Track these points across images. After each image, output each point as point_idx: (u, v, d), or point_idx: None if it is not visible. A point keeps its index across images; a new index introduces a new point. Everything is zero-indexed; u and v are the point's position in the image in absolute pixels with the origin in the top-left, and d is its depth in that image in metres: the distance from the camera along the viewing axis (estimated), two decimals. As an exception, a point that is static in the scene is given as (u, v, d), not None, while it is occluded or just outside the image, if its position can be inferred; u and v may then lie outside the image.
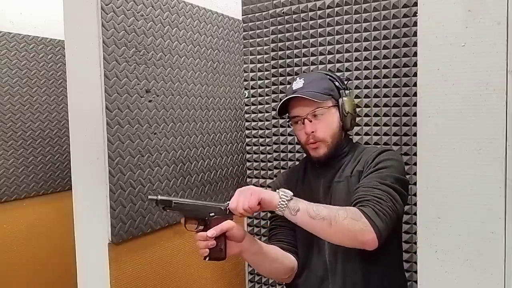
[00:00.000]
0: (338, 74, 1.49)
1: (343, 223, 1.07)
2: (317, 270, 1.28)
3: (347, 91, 1.33)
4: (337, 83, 1.30)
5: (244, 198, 1.11)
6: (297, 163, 1.70)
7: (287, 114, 1.33)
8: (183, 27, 1.50)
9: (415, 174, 1.44)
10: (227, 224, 1.15)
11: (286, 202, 1.10)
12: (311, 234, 1.16)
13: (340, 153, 1.30)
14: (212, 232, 1.13)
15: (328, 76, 1.31)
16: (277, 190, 1.13)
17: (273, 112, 1.73)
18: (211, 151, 1.64)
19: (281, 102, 1.27)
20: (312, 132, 1.24)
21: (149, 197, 1.16)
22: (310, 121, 1.24)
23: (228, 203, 1.14)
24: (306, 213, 1.09)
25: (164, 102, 1.42)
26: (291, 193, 1.11)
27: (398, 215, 1.14)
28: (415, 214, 1.37)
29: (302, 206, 1.10)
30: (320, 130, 1.24)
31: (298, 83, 1.28)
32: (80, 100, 1.30)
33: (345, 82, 1.35)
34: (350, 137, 1.44)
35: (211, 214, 1.16)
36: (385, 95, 1.48)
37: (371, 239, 1.07)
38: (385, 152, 1.23)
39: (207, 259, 1.15)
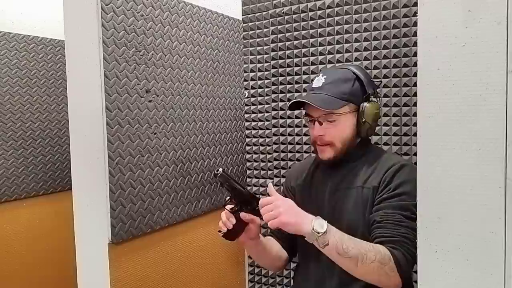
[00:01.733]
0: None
1: (370, 266, 1.05)
2: (317, 269, 1.27)
3: (373, 97, 1.23)
4: (364, 86, 1.21)
5: (271, 213, 1.08)
6: (296, 163, 1.70)
7: (303, 110, 1.28)
8: (183, 27, 1.50)
9: (415, 174, 1.43)
10: (257, 219, 1.23)
11: (317, 236, 1.05)
12: None
13: (352, 158, 1.24)
14: (246, 216, 1.21)
15: (356, 76, 1.22)
16: (313, 220, 1.07)
17: (273, 112, 1.73)
18: (211, 151, 1.64)
19: (293, 101, 1.22)
20: (320, 135, 1.21)
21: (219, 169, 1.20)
22: (321, 124, 1.20)
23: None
24: (335, 249, 1.06)
25: (164, 102, 1.42)
26: (325, 227, 1.06)
27: None
28: (415, 214, 1.37)
29: (332, 241, 1.06)
30: (329, 135, 1.20)
31: (318, 81, 1.22)
32: (80, 100, 1.30)
33: (377, 84, 1.26)
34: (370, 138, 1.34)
35: (256, 208, 1.20)
36: (385, 95, 1.48)
37: (395, 284, 1.09)
38: (403, 170, 1.17)
39: (221, 233, 1.23)
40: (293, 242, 1.37)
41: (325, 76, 1.22)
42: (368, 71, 1.50)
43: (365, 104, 1.20)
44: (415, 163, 1.41)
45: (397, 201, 1.13)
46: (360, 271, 1.07)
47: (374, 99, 1.24)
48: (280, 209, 1.08)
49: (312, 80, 1.26)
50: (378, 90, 1.30)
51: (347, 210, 1.21)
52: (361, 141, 1.25)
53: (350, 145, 1.22)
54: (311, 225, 1.05)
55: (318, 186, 1.30)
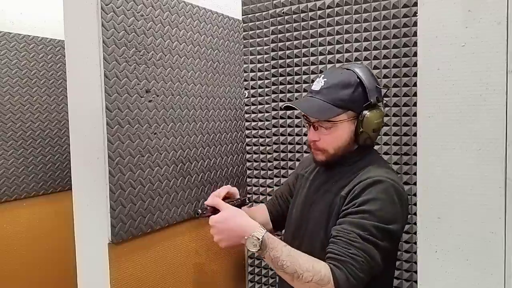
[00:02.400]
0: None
1: (306, 285, 1.02)
2: None
3: (377, 104, 1.16)
4: (367, 93, 1.12)
5: (216, 235, 1.14)
6: (297, 163, 1.70)
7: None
8: (183, 27, 1.50)
9: (415, 174, 1.44)
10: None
11: (253, 251, 1.07)
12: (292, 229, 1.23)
13: (347, 162, 1.19)
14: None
15: (359, 81, 1.13)
16: (247, 239, 1.07)
17: (273, 112, 1.73)
18: (211, 151, 1.64)
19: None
20: (315, 140, 1.17)
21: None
22: (316, 129, 1.16)
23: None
24: (271, 263, 1.07)
25: (164, 102, 1.42)
26: (259, 246, 1.05)
27: (374, 272, 1.04)
28: (415, 214, 1.37)
29: (267, 257, 1.06)
30: (324, 141, 1.16)
31: (317, 83, 1.15)
32: (80, 100, 1.30)
33: (382, 92, 1.17)
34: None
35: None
36: (385, 95, 1.48)
37: None
38: (375, 186, 1.07)
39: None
40: (280, 219, 1.40)
41: (325, 79, 1.15)
42: (368, 71, 1.50)
43: (366, 112, 1.12)
44: (415, 163, 1.42)
45: (358, 218, 1.05)
46: (295, 285, 1.05)
47: (378, 107, 1.15)
48: (216, 237, 1.14)
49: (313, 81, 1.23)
50: (384, 93, 1.22)
51: (315, 214, 1.18)
52: (359, 147, 1.19)
53: (345, 151, 1.17)
54: (249, 238, 1.07)
55: (310, 181, 1.29)
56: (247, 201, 1.41)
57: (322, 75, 1.17)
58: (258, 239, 1.06)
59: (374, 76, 1.18)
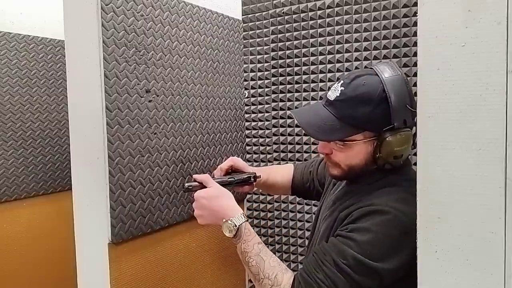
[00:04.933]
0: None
1: None
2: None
3: (403, 128, 0.97)
4: (392, 113, 0.94)
5: (197, 209, 1.17)
6: (297, 162, 1.70)
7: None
8: (183, 27, 1.50)
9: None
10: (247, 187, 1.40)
11: (227, 236, 1.09)
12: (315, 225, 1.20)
13: (365, 180, 1.06)
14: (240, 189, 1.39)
15: (385, 95, 0.93)
16: (224, 222, 1.08)
17: (273, 112, 1.73)
18: (211, 151, 1.63)
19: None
20: (325, 153, 1.06)
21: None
22: (329, 141, 1.04)
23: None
24: (240, 253, 1.07)
25: (164, 102, 1.42)
26: (234, 232, 1.06)
27: None
28: (415, 214, 1.37)
29: (238, 247, 1.07)
30: (335, 156, 1.04)
31: (334, 91, 0.99)
32: (80, 100, 1.30)
33: (413, 114, 0.96)
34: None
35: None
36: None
37: None
38: (373, 217, 0.95)
39: None
40: (299, 187, 1.42)
41: (343, 88, 0.98)
42: (368, 71, 1.49)
43: (386, 136, 0.96)
44: (415, 163, 1.42)
45: (342, 243, 0.95)
46: (257, 285, 1.05)
47: (403, 130, 0.97)
48: (196, 211, 1.17)
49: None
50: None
51: (323, 228, 1.12)
52: (378, 170, 1.04)
53: (362, 170, 1.04)
54: (222, 226, 1.09)
55: (331, 192, 1.22)
56: (252, 179, 1.37)
57: (341, 81, 1.00)
58: (236, 225, 1.06)
59: (409, 91, 0.98)
